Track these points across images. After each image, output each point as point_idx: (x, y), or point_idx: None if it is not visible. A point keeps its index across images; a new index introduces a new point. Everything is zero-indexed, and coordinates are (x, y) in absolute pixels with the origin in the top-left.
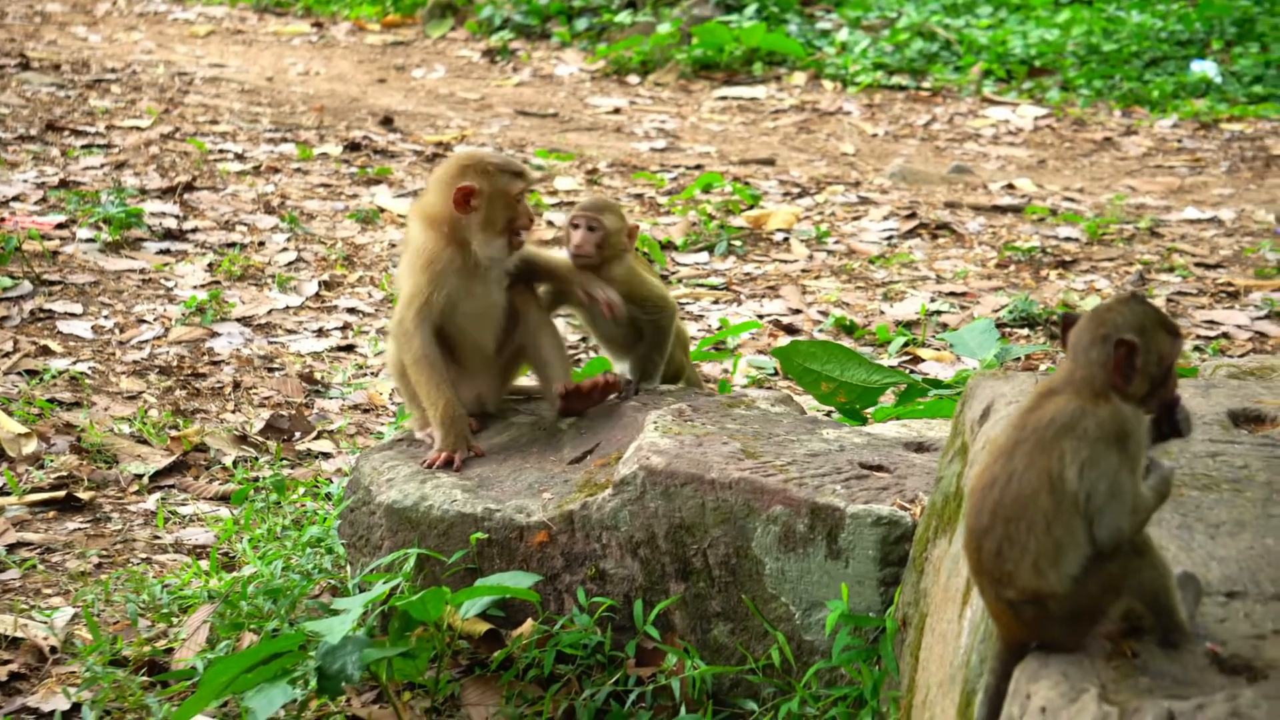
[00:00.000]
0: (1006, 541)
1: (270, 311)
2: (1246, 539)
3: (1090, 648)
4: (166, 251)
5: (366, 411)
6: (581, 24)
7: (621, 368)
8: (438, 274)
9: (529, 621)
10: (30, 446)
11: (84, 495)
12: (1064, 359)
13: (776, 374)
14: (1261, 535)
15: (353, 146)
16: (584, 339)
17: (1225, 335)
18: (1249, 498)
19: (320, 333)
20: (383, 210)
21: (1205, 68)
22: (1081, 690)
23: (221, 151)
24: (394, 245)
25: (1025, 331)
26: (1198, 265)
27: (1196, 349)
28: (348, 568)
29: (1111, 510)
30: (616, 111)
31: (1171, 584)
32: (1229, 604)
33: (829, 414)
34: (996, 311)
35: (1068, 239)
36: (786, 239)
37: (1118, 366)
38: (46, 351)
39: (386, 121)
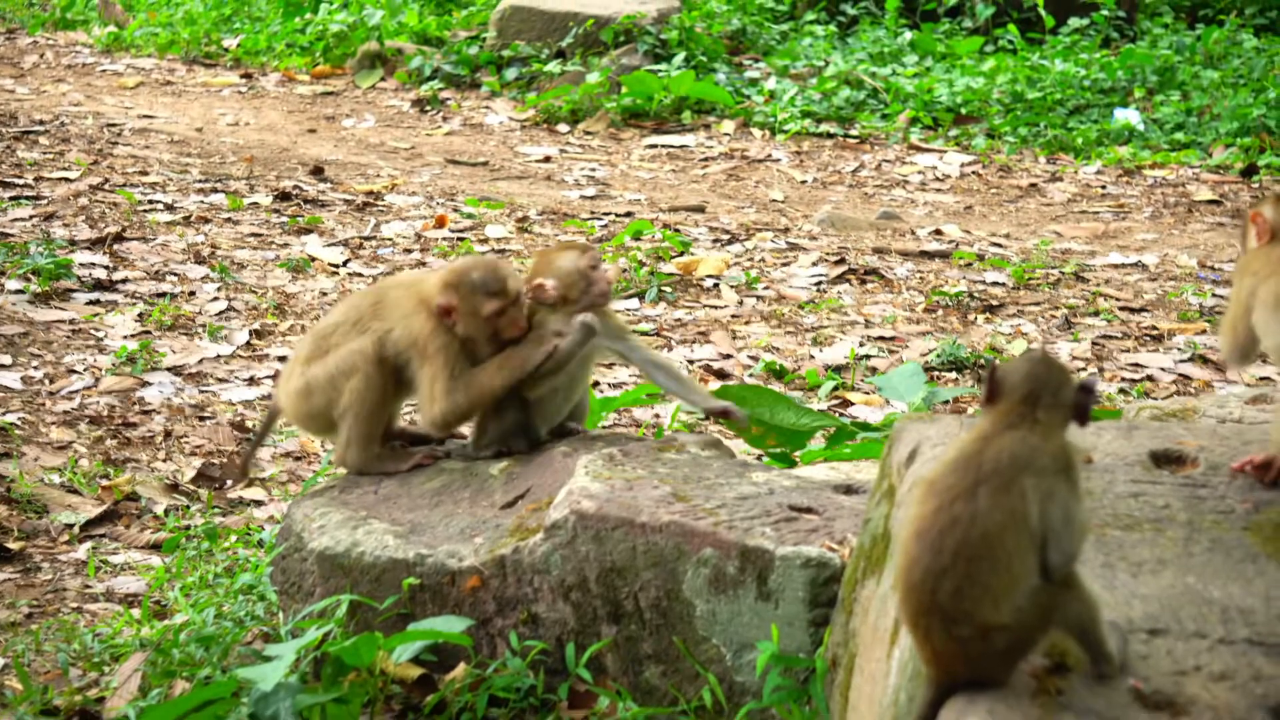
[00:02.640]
0: (968, 580)
1: (201, 361)
2: (1168, 577)
3: (1016, 685)
4: (96, 302)
5: (299, 459)
6: (511, 73)
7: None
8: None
9: (461, 665)
10: None
11: (14, 545)
12: (1000, 403)
13: (706, 419)
14: (1183, 574)
15: (283, 196)
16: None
17: (1149, 378)
18: (1170, 537)
19: (252, 381)
20: (313, 259)
21: (1128, 115)
22: None
23: (151, 202)
24: (325, 294)
25: (953, 375)
26: (1122, 309)
27: (1122, 391)
28: (280, 615)
29: (1066, 537)
30: (547, 160)
31: (1099, 615)
32: (1151, 641)
33: (759, 457)
34: (924, 355)
35: (994, 283)
36: (716, 285)
37: (1086, 408)
38: None
39: (317, 171)
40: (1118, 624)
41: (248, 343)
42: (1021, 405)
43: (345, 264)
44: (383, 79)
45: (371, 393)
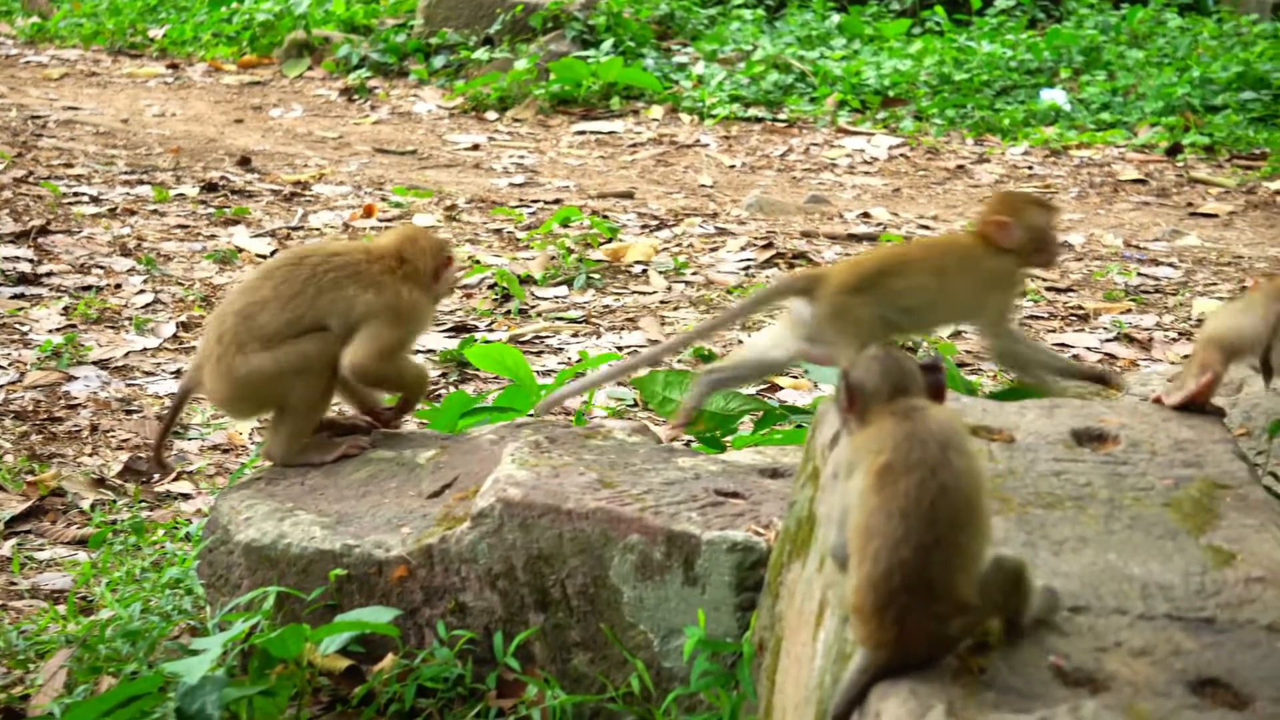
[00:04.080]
0: (957, 551)
1: (127, 354)
2: (1089, 555)
3: (938, 665)
4: (21, 296)
5: (226, 451)
6: (439, 61)
7: None
8: None
9: (389, 656)
10: None
11: None
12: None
13: (635, 405)
14: (1104, 551)
15: (210, 187)
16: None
17: (1076, 357)
18: (1091, 514)
19: (178, 374)
20: (240, 250)
21: (1054, 96)
22: (929, 707)
23: (76, 194)
24: None
25: None
26: (1048, 289)
27: None
28: (207, 608)
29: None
30: (475, 148)
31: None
32: (1073, 619)
33: (687, 443)
34: None
35: None
36: (645, 271)
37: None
38: None
39: (244, 161)
40: (1051, 588)
41: (174, 335)
42: (898, 398)
43: (273, 254)
44: (310, 68)
45: (318, 392)
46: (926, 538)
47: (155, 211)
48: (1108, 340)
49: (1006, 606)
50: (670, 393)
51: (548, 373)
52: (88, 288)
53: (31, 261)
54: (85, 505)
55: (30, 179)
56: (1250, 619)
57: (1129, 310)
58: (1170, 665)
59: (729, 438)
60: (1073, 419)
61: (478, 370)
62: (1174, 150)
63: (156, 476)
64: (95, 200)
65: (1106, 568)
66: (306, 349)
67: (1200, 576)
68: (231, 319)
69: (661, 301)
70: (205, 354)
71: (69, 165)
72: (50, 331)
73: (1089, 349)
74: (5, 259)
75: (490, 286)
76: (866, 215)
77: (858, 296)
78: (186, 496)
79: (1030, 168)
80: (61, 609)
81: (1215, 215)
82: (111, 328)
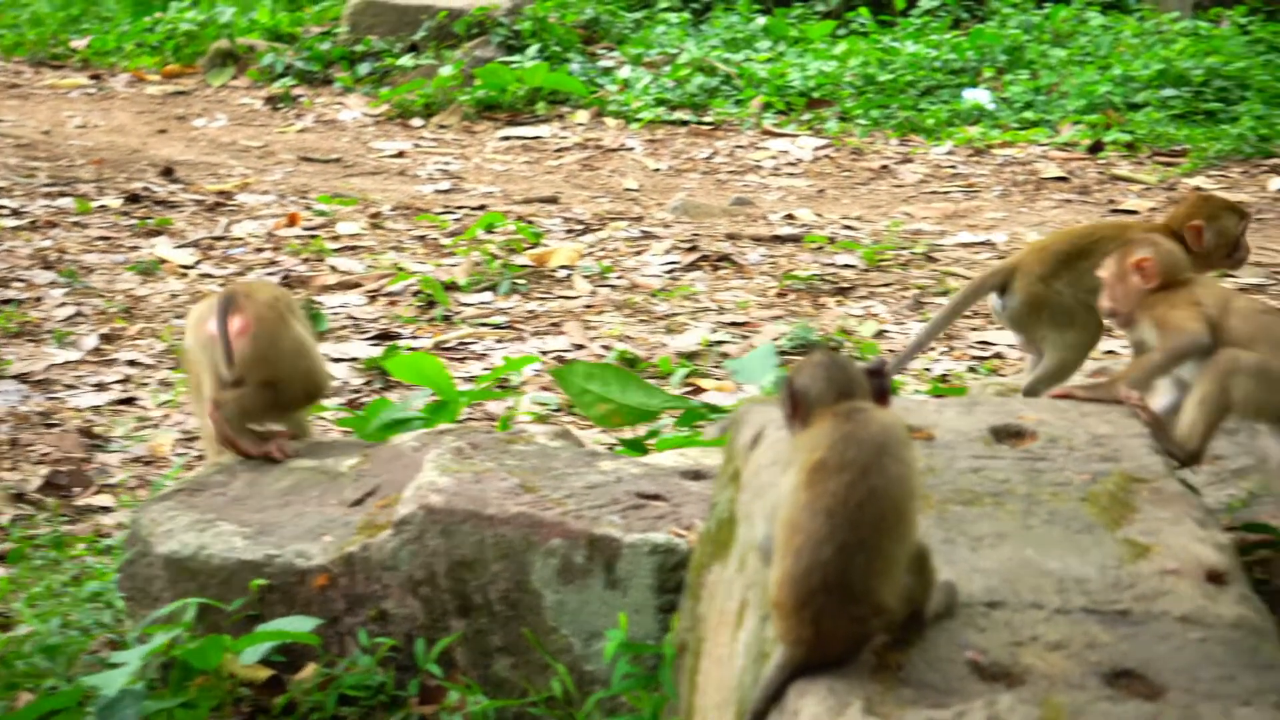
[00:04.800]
0: (879, 554)
1: (48, 367)
2: (1007, 550)
3: (857, 663)
4: None
5: (148, 464)
6: (364, 69)
7: None
8: None
9: (311, 665)
10: None
11: None
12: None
13: (560, 410)
14: (1021, 547)
15: (133, 198)
16: None
17: (998, 355)
18: (1009, 510)
19: (100, 387)
20: (164, 261)
21: (978, 95)
22: (847, 704)
23: None
24: (175, 296)
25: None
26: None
27: (971, 370)
28: (128, 621)
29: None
30: (400, 155)
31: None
32: (990, 614)
33: (611, 448)
34: (776, 340)
35: (846, 266)
36: (569, 275)
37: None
38: None
39: (167, 172)
40: (951, 582)
41: (96, 348)
42: (842, 401)
43: (196, 265)
44: (234, 77)
45: None
46: (850, 538)
47: (77, 223)
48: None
49: (910, 596)
50: (591, 385)
51: (471, 379)
52: (8, 301)
53: None
54: (4, 520)
55: None
56: (1165, 611)
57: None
58: (1085, 658)
59: (652, 440)
60: (991, 416)
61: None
62: (1096, 148)
63: (78, 490)
64: (16, 213)
65: (1024, 563)
66: None
67: (1116, 570)
68: None
69: (586, 306)
70: None
71: None
72: None
73: (1010, 346)
74: None
75: (415, 293)
76: (791, 217)
77: (1052, 283)
78: (107, 510)
79: (954, 167)
80: None
81: (1136, 212)
82: (32, 341)
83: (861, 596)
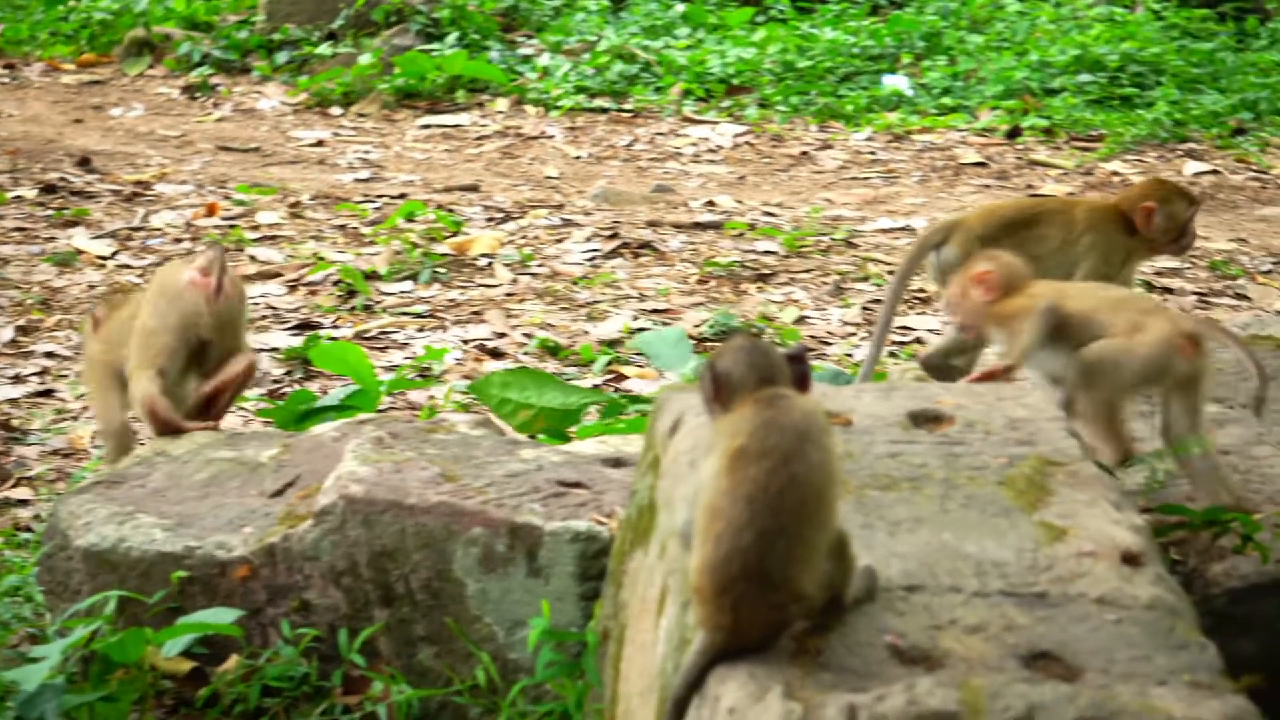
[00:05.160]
0: (799, 541)
1: None
2: (925, 535)
3: (777, 648)
4: None
5: (67, 456)
6: (282, 57)
7: None
8: None
9: (233, 657)
10: None
11: None
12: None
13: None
14: (939, 531)
15: (49, 189)
16: None
17: (918, 340)
18: (927, 495)
19: (17, 379)
20: (81, 252)
21: (896, 82)
22: (767, 689)
23: None
24: (93, 287)
25: None
26: (890, 274)
27: (891, 355)
28: (47, 615)
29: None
30: (320, 143)
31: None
32: (909, 598)
33: (532, 436)
34: (698, 326)
35: (766, 252)
36: (490, 264)
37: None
38: None
39: (84, 162)
40: (871, 567)
41: (13, 340)
42: (764, 387)
43: (114, 255)
44: (151, 66)
45: None
46: (770, 525)
47: None
48: (949, 323)
49: (830, 581)
50: (508, 393)
51: (393, 368)
52: None
53: None
54: None
55: None
56: (1081, 593)
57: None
58: (1003, 640)
59: (573, 428)
60: (909, 401)
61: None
62: (1013, 133)
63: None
64: None
65: (942, 547)
66: None
67: (1033, 553)
68: None
69: (507, 294)
70: None
71: None
72: None
73: (931, 331)
74: None
75: (335, 283)
76: (712, 203)
77: (989, 246)
78: (25, 503)
79: (873, 153)
80: None
81: (1054, 197)
82: None
83: (781, 583)
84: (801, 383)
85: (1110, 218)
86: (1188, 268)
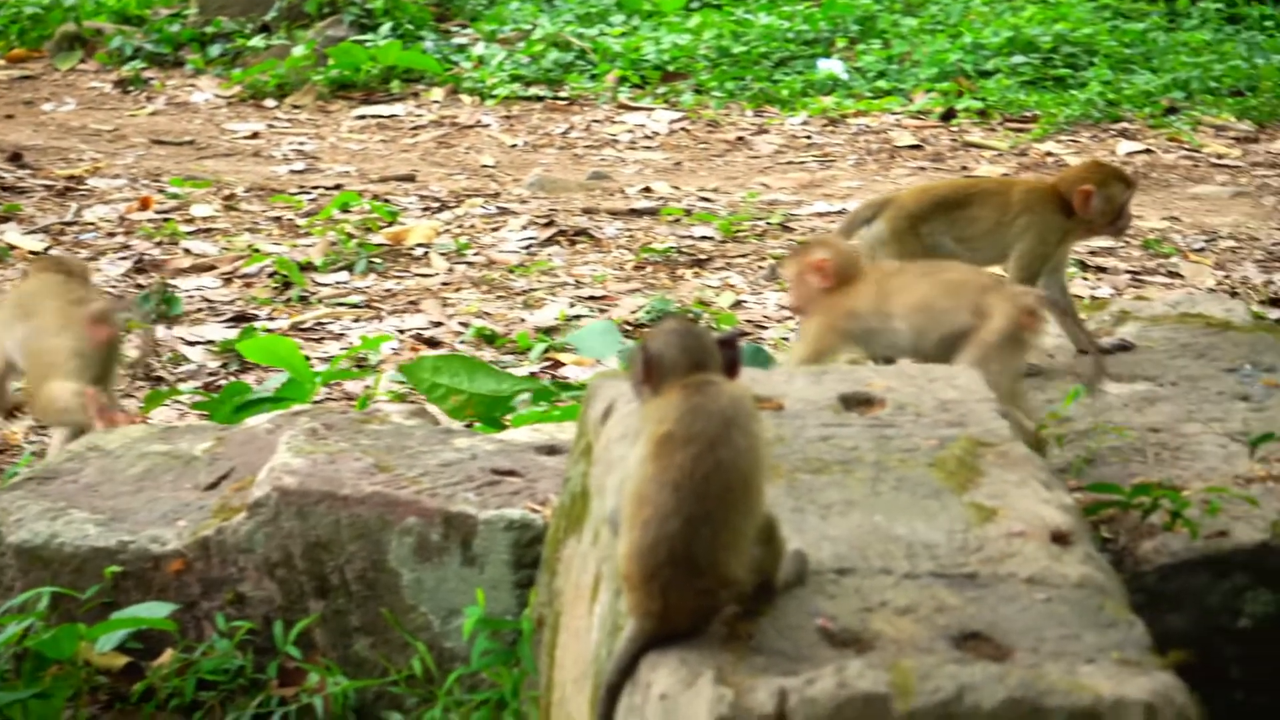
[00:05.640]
0: (725, 527)
1: None
2: (856, 517)
3: (709, 633)
4: None
5: (1, 453)
6: (215, 50)
7: None
8: None
9: (168, 651)
10: None
11: None
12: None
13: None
14: (870, 513)
15: None
16: None
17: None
18: (858, 478)
19: None
20: (13, 248)
21: (831, 66)
22: (699, 674)
23: None
24: None
25: None
26: None
27: None
28: None
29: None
30: (254, 136)
31: (781, 563)
32: (840, 580)
33: (469, 424)
34: (634, 312)
35: (703, 238)
36: (427, 253)
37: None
38: None
39: (15, 157)
40: (801, 551)
41: None
42: (695, 372)
43: (46, 250)
44: (83, 60)
45: None
46: (696, 511)
47: None
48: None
49: (759, 566)
50: (440, 378)
51: (329, 359)
52: None
53: None
54: None
55: None
56: (1011, 573)
57: None
58: (934, 621)
59: (508, 416)
60: (840, 384)
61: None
62: (948, 115)
63: None
64: None
65: (873, 529)
66: None
67: (963, 534)
68: None
69: (444, 283)
70: None
71: None
72: None
73: None
74: None
75: (270, 275)
76: (648, 190)
77: (920, 223)
78: None
79: (809, 137)
80: None
81: (990, 177)
82: None
83: (708, 569)
84: (731, 368)
85: (1047, 199)
86: (1121, 246)
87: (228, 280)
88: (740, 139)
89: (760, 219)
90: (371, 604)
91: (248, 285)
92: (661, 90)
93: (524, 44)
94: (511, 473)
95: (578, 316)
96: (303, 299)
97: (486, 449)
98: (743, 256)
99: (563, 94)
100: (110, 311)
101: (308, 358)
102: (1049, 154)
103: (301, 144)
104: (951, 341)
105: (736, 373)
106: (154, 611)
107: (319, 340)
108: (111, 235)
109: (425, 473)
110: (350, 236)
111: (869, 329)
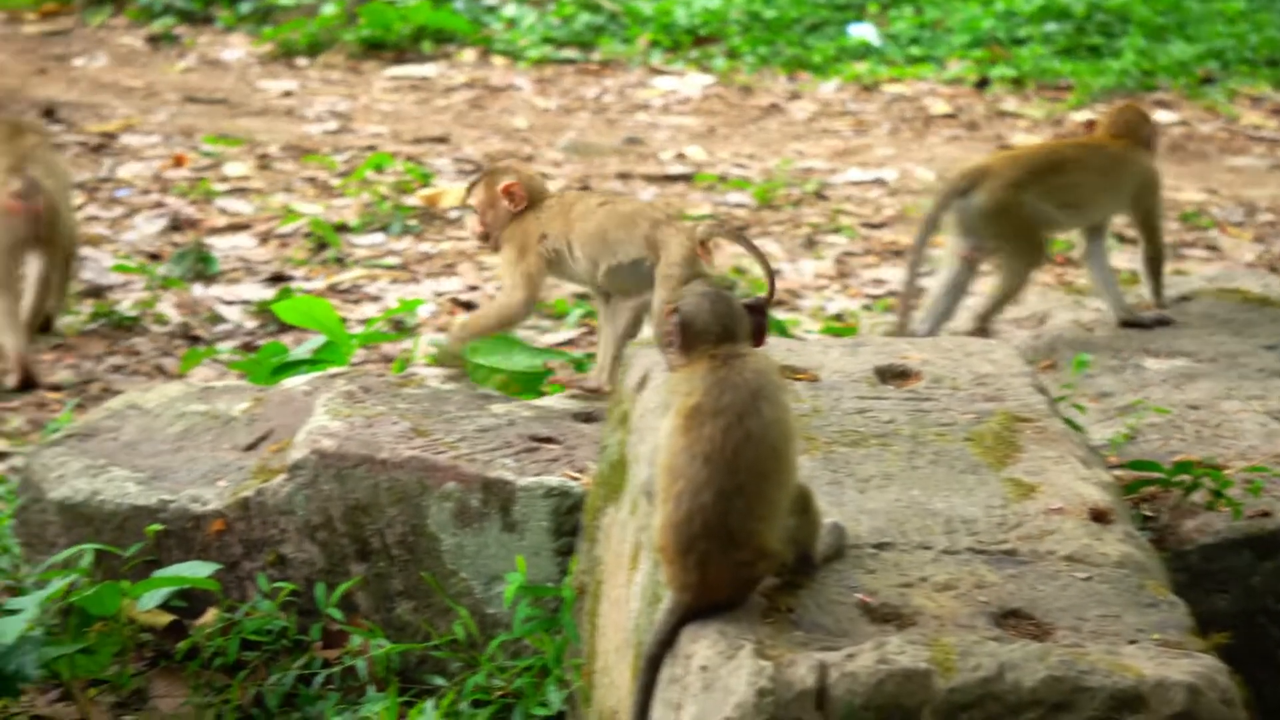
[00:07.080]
0: (758, 498)
1: None
2: (894, 491)
3: (747, 604)
4: None
5: (41, 408)
6: (245, 7)
7: None
8: None
9: (211, 610)
10: None
11: None
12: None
13: None
14: (908, 487)
15: None
16: None
17: (892, 293)
18: (895, 451)
19: None
20: None
21: (864, 31)
22: (739, 646)
23: None
24: None
25: None
26: (863, 225)
27: (865, 308)
28: (24, 567)
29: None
30: (287, 95)
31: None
32: (879, 555)
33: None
34: None
35: (738, 205)
36: (461, 217)
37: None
38: None
39: (49, 113)
40: (839, 524)
41: None
42: (725, 342)
43: (82, 207)
44: (113, 15)
45: None
46: (728, 484)
47: None
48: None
49: (795, 537)
50: (477, 359)
51: (366, 321)
52: None
53: None
54: None
55: None
56: (1050, 550)
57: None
58: (974, 598)
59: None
60: (876, 357)
61: None
62: (982, 83)
63: None
64: None
65: (911, 504)
66: None
67: (1002, 510)
68: None
69: (479, 247)
70: None
71: None
72: None
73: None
74: None
75: (305, 235)
76: (682, 155)
77: (1022, 192)
78: (2, 455)
79: (843, 104)
80: None
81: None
82: None
83: (743, 541)
84: (758, 335)
85: (1134, 149)
86: None
87: (263, 240)
88: (774, 105)
89: (795, 186)
90: (412, 568)
91: (283, 245)
92: (693, 54)
93: (554, 6)
94: (550, 440)
95: None
96: (339, 260)
97: (524, 415)
98: (778, 224)
99: (595, 57)
100: (29, 190)
101: (344, 319)
102: (1084, 123)
103: (334, 104)
104: (621, 273)
105: (763, 339)
106: (196, 571)
107: (355, 302)
108: (146, 193)
109: (463, 438)
110: (384, 198)
111: (559, 252)
